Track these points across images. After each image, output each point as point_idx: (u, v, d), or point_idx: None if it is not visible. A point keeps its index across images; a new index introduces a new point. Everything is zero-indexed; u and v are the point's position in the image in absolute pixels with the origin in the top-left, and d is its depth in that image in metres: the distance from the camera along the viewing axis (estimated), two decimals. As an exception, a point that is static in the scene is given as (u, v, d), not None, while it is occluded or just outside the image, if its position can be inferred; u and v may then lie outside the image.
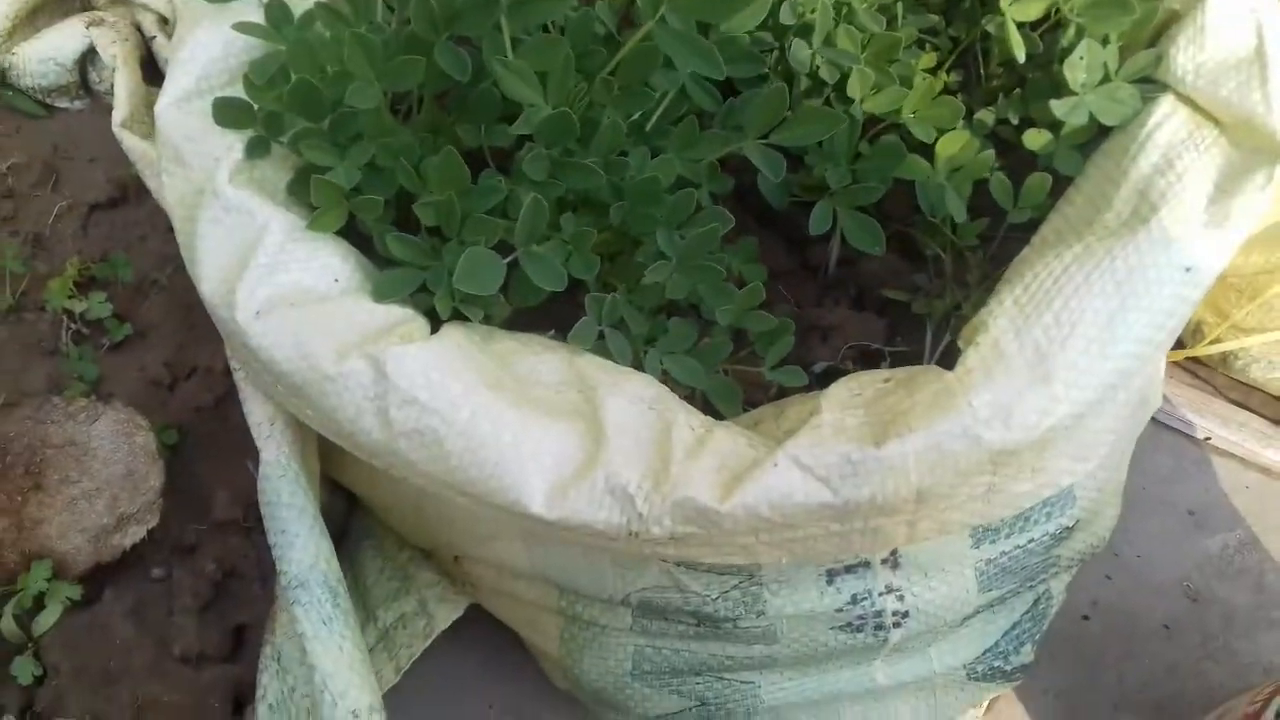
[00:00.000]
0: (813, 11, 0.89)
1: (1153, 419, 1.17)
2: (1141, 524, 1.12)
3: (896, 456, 0.64)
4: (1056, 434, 0.66)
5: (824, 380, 0.87)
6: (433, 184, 0.78)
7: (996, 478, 0.68)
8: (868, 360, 0.90)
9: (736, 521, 0.65)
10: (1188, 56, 0.81)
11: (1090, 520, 0.89)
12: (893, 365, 0.89)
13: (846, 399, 0.71)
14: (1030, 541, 0.84)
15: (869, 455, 0.65)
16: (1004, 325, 0.69)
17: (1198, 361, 1.18)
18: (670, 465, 0.66)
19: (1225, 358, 1.11)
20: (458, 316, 0.78)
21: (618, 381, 0.72)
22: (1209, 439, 1.16)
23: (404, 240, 0.77)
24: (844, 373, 0.88)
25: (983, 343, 0.68)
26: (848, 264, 0.96)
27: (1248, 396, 1.19)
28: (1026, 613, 0.93)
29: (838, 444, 0.65)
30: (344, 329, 0.72)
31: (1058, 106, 0.83)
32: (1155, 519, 1.13)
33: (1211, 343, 1.09)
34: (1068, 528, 0.85)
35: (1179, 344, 1.15)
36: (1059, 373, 0.65)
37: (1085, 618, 1.08)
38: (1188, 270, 0.69)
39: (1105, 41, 0.84)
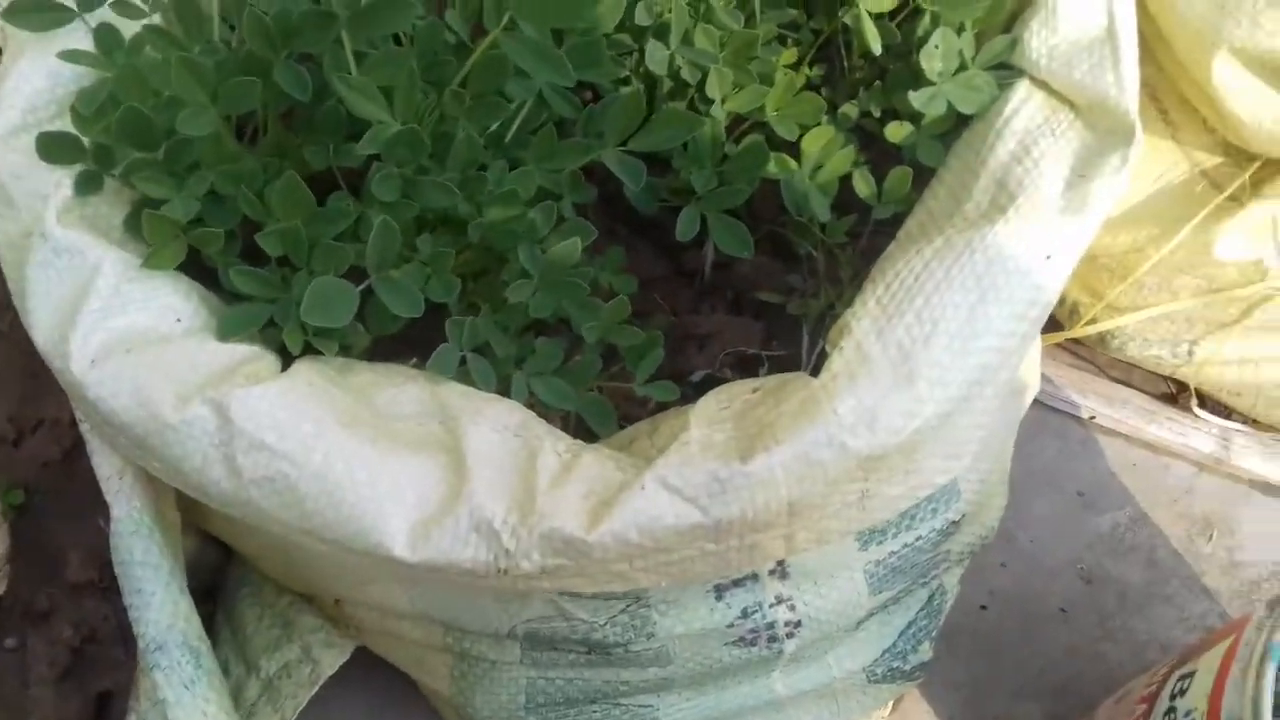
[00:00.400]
0: (669, 11, 0.87)
1: (1037, 401, 1.18)
2: (1032, 508, 1.13)
3: (764, 470, 0.62)
4: (925, 435, 0.65)
5: (702, 389, 0.84)
6: (277, 211, 0.74)
7: (869, 483, 0.66)
8: (745, 365, 0.88)
9: (606, 550, 0.62)
10: (1041, 40, 0.81)
11: (977, 512, 0.89)
12: (770, 369, 0.88)
13: (715, 412, 0.68)
14: (918, 539, 0.83)
15: (736, 471, 0.62)
16: (867, 327, 0.67)
17: (1078, 342, 1.19)
18: (536, 495, 0.63)
19: (1103, 337, 1.12)
20: (311, 350, 0.75)
21: (480, 409, 0.69)
22: (1093, 418, 1.17)
23: (248, 273, 0.73)
24: (722, 381, 0.86)
25: (846, 346, 0.67)
26: (723, 268, 0.94)
27: (1129, 374, 1.20)
28: (921, 610, 0.93)
29: (705, 462, 0.63)
30: (186, 372, 0.68)
31: (916, 98, 0.82)
32: (1045, 502, 1.14)
33: (1088, 323, 1.10)
34: (954, 522, 0.85)
35: (1057, 325, 1.16)
36: (922, 372, 0.64)
37: (983, 607, 1.08)
38: (1048, 258, 0.69)
39: (960, 29, 0.84)
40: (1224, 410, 1.18)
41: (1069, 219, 0.70)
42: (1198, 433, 1.16)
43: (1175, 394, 1.19)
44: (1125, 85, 0.76)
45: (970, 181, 0.76)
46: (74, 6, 0.80)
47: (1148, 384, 1.20)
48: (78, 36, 0.81)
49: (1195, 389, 1.16)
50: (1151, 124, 1.02)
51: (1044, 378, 1.17)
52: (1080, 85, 0.78)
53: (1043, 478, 1.16)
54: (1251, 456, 1.14)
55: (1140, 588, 1.11)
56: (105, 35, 0.80)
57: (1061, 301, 1.14)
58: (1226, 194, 0.98)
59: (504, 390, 0.75)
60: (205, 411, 0.65)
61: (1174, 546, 1.13)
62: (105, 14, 0.80)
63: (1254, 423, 1.17)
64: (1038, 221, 0.70)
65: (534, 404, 0.76)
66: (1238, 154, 0.99)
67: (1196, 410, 1.16)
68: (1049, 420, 1.19)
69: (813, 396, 0.64)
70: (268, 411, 0.65)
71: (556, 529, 0.62)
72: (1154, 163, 1.03)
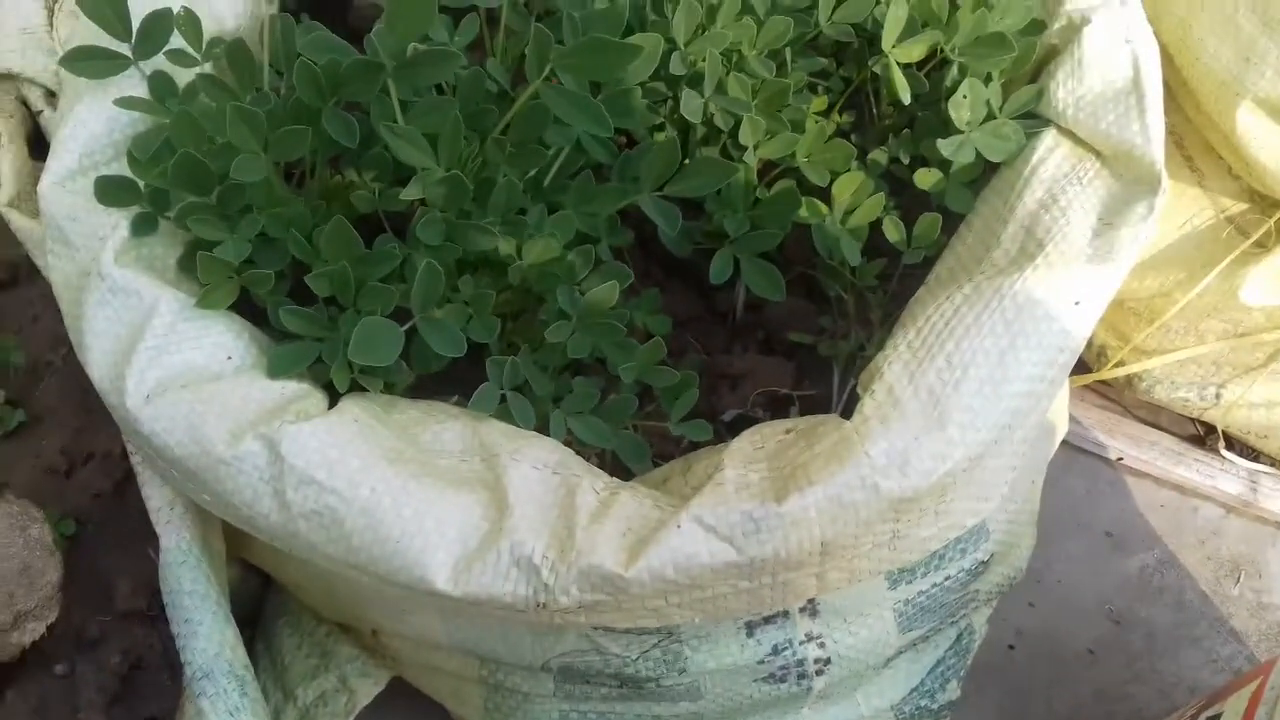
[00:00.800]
0: (704, 60, 0.90)
1: (1066, 442, 1.19)
2: (1061, 548, 1.14)
3: (798, 511, 0.64)
4: (955, 477, 0.67)
5: (734, 428, 0.87)
6: (325, 254, 0.77)
7: (900, 524, 0.68)
8: (777, 405, 0.90)
9: (643, 586, 0.64)
10: (1068, 90, 0.83)
11: (1006, 553, 0.90)
12: (801, 409, 0.89)
13: (749, 453, 0.70)
14: (947, 579, 0.84)
15: (771, 511, 0.64)
16: (898, 371, 0.69)
17: (1106, 383, 1.20)
18: (575, 532, 0.65)
19: (1130, 380, 1.13)
20: (357, 388, 0.77)
21: (520, 447, 0.71)
22: (1121, 459, 1.18)
23: (297, 313, 0.75)
24: (754, 420, 0.88)
25: (878, 390, 0.68)
26: (755, 309, 0.96)
27: (1157, 415, 1.21)
28: (950, 649, 0.93)
29: (740, 502, 0.65)
30: (238, 409, 0.70)
31: (944, 145, 0.84)
32: (1074, 543, 1.15)
33: (1115, 366, 1.11)
34: (983, 562, 0.86)
35: (1085, 368, 1.17)
36: (953, 416, 0.66)
37: (1011, 647, 1.09)
38: (1076, 304, 0.70)
39: (988, 79, 0.86)
40: (1252, 452, 1.18)
41: (1097, 266, 0.72)
42: (1225, 474, 1.16)
43: (1203, 436, 1.20)
44: (1151, 135, 0.78)
45: (999, 228, 0.78)
46: (129, 54, 0.83)
47: (1176, 425, 1.21)
48: (133, 83, 0.84)
49: (1223, 431, 1.17)
50: (1178, 171, 1.03)
51: (1072, 419, 1.19)
52: (1106, 135, 0.79)
53: (1071, 519, 1.17)
54: (1279, 499, 1.15)
55: (1168, 629, 1.11)
56: (160, 83, 0.83)
57: (1089, 344, 1.16)
58: (1252, 240, 0.99)
59: (543, 428, 0.77)
60: (257, 447, 0.68)
61: (1202, 588, 1.13)
62: (160, 62, 0.84)
63: (1282, 464, 1.17)
64: (1066, 269, 0.71)
65: (571, 441, 0.78)
66: (1263, 200, 1.00)
67: (1224, 452, 1.16)
68: (1077, 461, 1.20)
69: (845, 439, 0.66)
70: (317, 448, 0.67)
71: (595, 565, 0.64)
72: (1181, 209, 1.04)
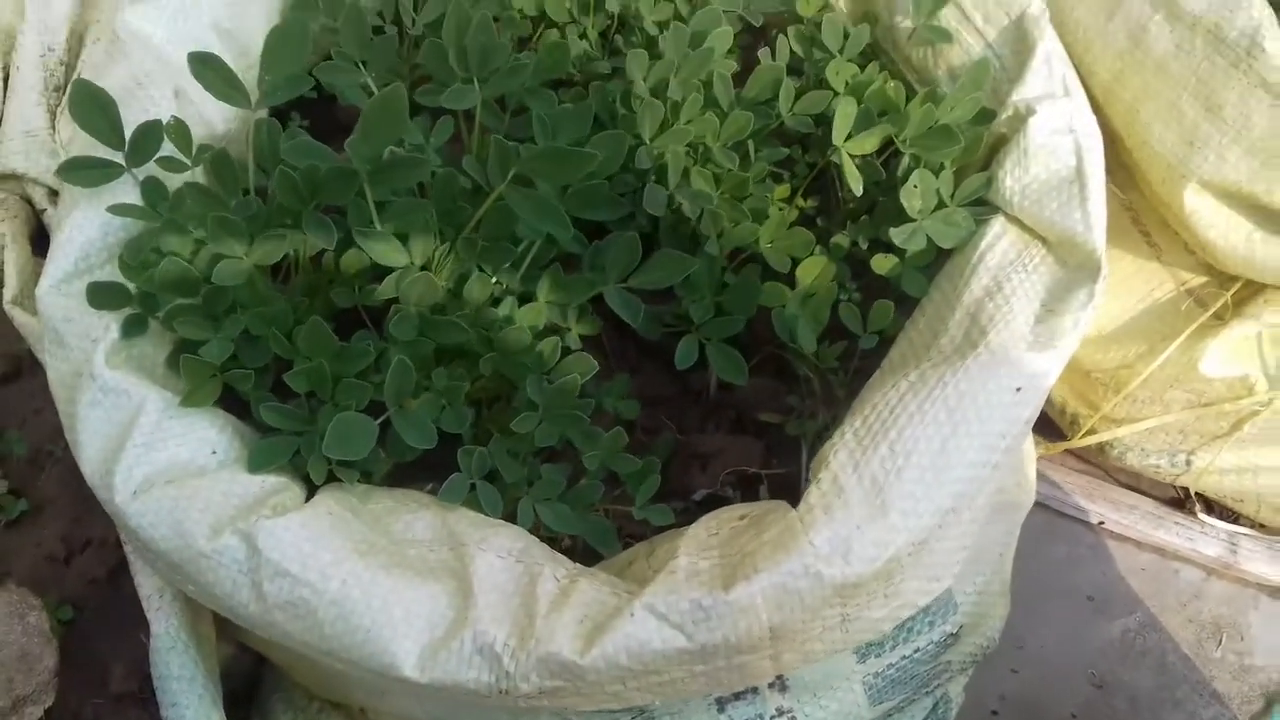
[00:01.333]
0: (668, 154, 0.94)
1: (1047, 507, 1.21)
2: (1043, 614, 1.15)
3: (745, 598, 0.67)
4: (901, 562, 0.69)
5: (706, 506, 0.89)
6: (303, 351, 0.81)
7: (848, 608, 0.70)
8: (747, 483, 0.93)
9: (599, 673, 0.67)
10: (1014, 178, 0.86)
11: (976, 623, 0.91)
12: (770, 487, 0.92)
13: (704, 539, 0.73)
14: (916, 651, 0.86)
15: (719, 600, 0.67)
16: (843, 459, 0.72)
17: (1084, 448, 1.22)
18: (535, 620, 0.68)
19: (1102, 447, 1.15)
20: (335, 478, 0.80)
21: (487, 536, 0.74)
22: (1102, 523, 1.20)
23: (277, 409, 0.79)
24: (724, 499, 0.91)
25: (824, 478, 0.71)
26: (727, 388, 0.99)
27: (1137, 479, 1.23)
28: (926, 718, 0.95)
29: (690, 590, 0.68)
30: (219, 504, 0.74)
31: (897, 233, 0.87)
32: (1056, 607, 1.16)
33: (1086, 434, 1.14)
34: (952, 634, 0.88)
35: (1060, 435, 1.19)
36: (895, 504, 0.68)
37: (994, 713, 1.10)
38: (1017, 390, 0.73)
39: (940, 168, 0.90)
40: (1231, 514, 1.20)
41: (1038, 354, 0.75)
42: (1205, 537, 1.18)
43: (1183, 499, 1.21)
44: (1092, 223, 0.81)
45: (947, 315, 0.81)
46: (123, 162, 0.87)
47: (1156, 489, 1.23)
48: (127, 188, 0.88)
49: (1202, 494, 1.18)
50: (1136, 246, 1.06)
51: (1053, 484, 1.21)
52: (1050, 222, 0.83)
53: (1053, 583, 1.18)
54: (1259, 561, 1.16)
55: (1151, 693, 1.12)
56: (151, 189, 0.87)
57: (1062, 412, 1.18)
58: (1210, 312, 1.02)
59: (511, 514, 0.80)
60: (235, 541, 0.71)
61: (1184, 651, 1.14)
62: (152, 168, 0.88)
63: (1261, 526, 1.18)
64: (1007, 356, 0.74)
65: (540, 526, 0.81)
66: (1220, 274, 1.03)
67: (1202, 516, 1.18)
68: (1059, 526, 1.21)
69: (790, 527, 0.69)
70: (291, 541, 0.70)
71: (553, 653, 0.67)
72: (1141, 282, 1.07)
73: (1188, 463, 1.12)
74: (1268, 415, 1.03)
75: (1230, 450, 1.08)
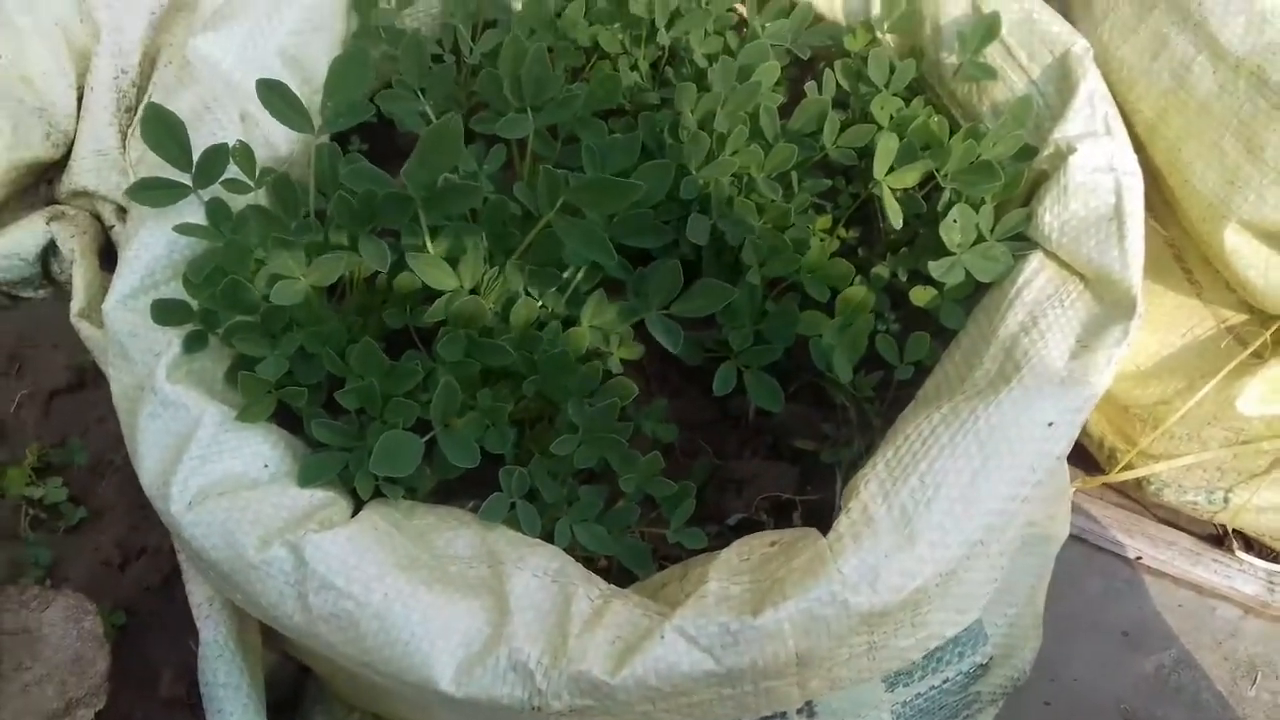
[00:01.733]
0: (714, 184, 0.96)
1: (1084, 541, 1.22)
2: (1077, 647, 1.15)
3: (773, 624, 0.68)
4: (928, 592, 0.70)
5: (741, 530, 0.91)
6: (355, 369, 0.84)
7: (875, 636, 0.71)
8: (781, 509, 0.94)
9: (629, 693, 0.68)
10: (1054, 215, 0.87)
11: (1007, 655, 0.92)
12: (804, 514, 0.93)
13: (735, 564, 0.75)
14: (945, 681, 0.87)
15: (747, 625, 0.69)
16: (874, 489, 0.73)
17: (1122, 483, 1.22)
18: (568, 639, 0.70)
19: (1140, 483, 1.15)
20: (382, 494, 0.83)
21: (524, 555, 0.77)
22: (1140, 559, 1.20)
23: (328, 425, 0.82)
24: (758, 524, 0.93)
25: (854, 507, 0.73)
26: (765, 414, 1.01)
27: (1175, 514, 1.23)
28: (954, 748, 0.96)
29: (719, 614, 0.69)
30: (270, 516, 0.76)
31: (935, 267, 0.89)
32: (1090, 641, 1.16)
33: (1123, 469, 1.14)
34: (982, 665, 0.89)
35: (1098, 468, 1.20)
36: (923, 534, 0.70)
37: (1025, 745, 1.11)
38: (1049, 425, 0.74)
39: (980, 203, 0.91)
40: (1270, 553, 1.19)
41: (1070, 389, 0.76)
42: (1243, 575, 1.17)
43: (1221, 536, 1.21)
44: (1130, 261, 0.82)
45: (982, 348, 0.82)
46: (190, 183, 0.91)
47: (1194, 525, 1.22)
48: (193, 208, 0.92)
49: (1241, 531, 1.18)
50: (1178, 283, 1.07)
51: (1090, 517, 1.21)
52: (1088, 259, 0.84)
53: (1087, 617, 1.18)
54: (1298, 600, 1.15)
55: (1185, 730, 1.12)
56: (215, 209, 0.91)
57: (1100, 446, 1.18)
58: (1250, 350, 1.02)
59: (550, 533, 0.82)
60: (283, 553, 0.74)
61: (1218, 689, 1.14)
62: (217, 190, 0.92)
63: (1301, 566, 1.18)
64: (1040, 392, 0.75)
65: (577, 545, 0.83)
66: (1260, 312, 1.03)
67: (1240, 553, 1.17)
68: (1095, 560, 1.22)
69: (820, 555, 0.70)
70: (337, 555, 0.73)
71: (584, 671, 0.69)
72: (1181, 319, 1.07)
73: (1225, 500, 1.11)
74: (1307, 455, 1.03)
75: (1268, 488, 1.08)
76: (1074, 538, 1.21)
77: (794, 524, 0.92)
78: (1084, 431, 1.20)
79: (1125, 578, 1.20)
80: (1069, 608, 1.15)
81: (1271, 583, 1.16)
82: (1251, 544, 1.20)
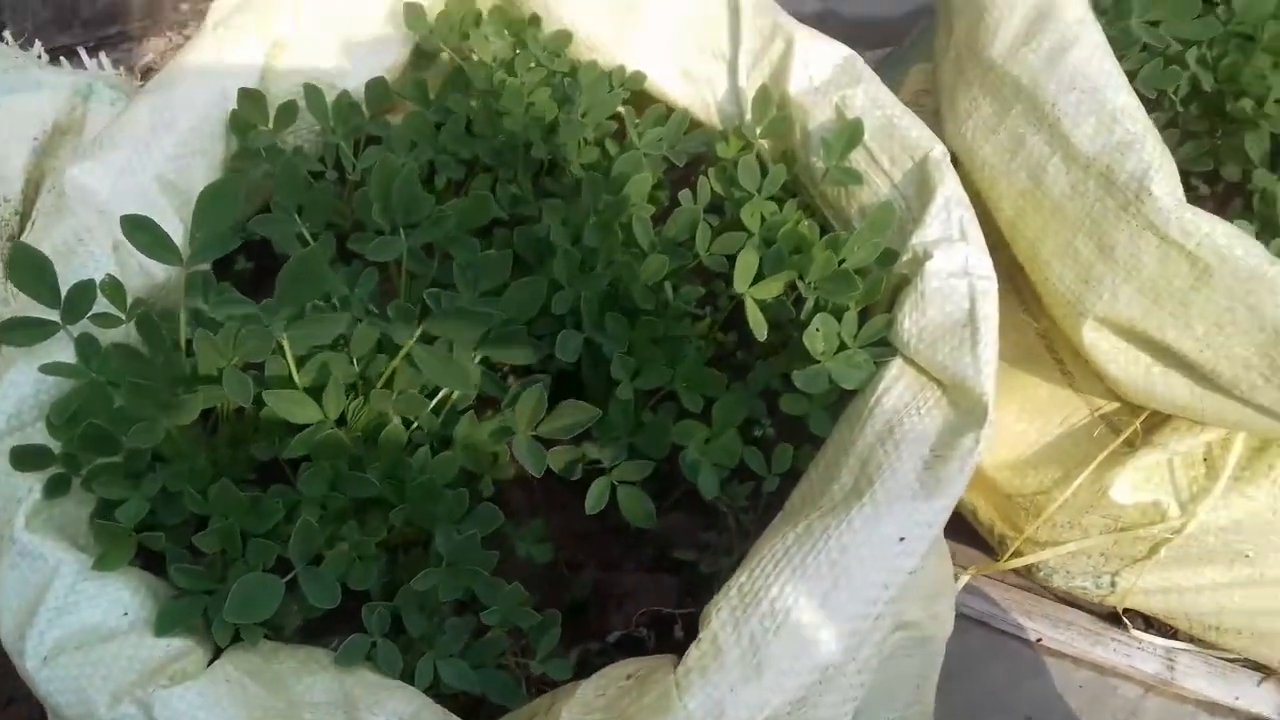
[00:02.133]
0: (584, 298, 0.97)
1: (986, 625, 1.22)
2: (982, 734, 1.16)
3: (617, 768, 0.68)
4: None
5: (622, 648, 0.91)
6: (215, 510, 0.83)
7: (726, 770, 0.71)
8: (662, 623, 0.94)
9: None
10: (912, 321, 0.89)
11: (896, 757, 0.92)
12: (684, 627, 0.93)
13: (590, 700, 0.74)
14: (830, 793, 0.86)
15: (592, 768, 0.68)
16: (724, 617, 0.73)
17: (1018, 566, 1.23)
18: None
19: (1030, 569, 1.16)
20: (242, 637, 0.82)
21: (380, 699, 0.75)
22: (1040, 640, 1.20)
23: (186, 570, 0.81)
24: (638, 640, 0.92)
25: (704, 637, 0.73)
26: (646, 524, 1.01)
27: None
28: None
29: (566, 757, 0.69)
30: (122, 671, 0.75)
31: (799, 376, 0.89)
32: (995, 727, 1.17)
33: (1012, 556, 1.15)
34: (869, 771, 0.88)
35: (992, 553, 1.21)
36: (770, 664, 0.70)
37: (931, 840, 1.10)
38: (901, 540, 0.75)
39: (843, 310, 0.92)
40: (1170, 629, 1.20)
41: (922, 503, 0.77)
42: (1142, 653, 1.18)
43: (1120, 614, 1.22)
44: (982, 366, 0.83)
45: (842, 459, 0.83)
46: (58, 319, 0.90)
47: (1093, 604, 1.23)
48: (63, 345, 0.91)
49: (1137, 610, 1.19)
50: (1050, 373, 1.09)
51: (991, 601, 1.22)
52: (943, 365, 0.85)
53: (992, 702, 1.18)
54: (1197, 677, 1.16)
55: (1091, 814, 1.12)
56: (84, 346, 0.90)
57: (990, 532, 1.19)
58: (1121, 439, 1.04)
59: (408, 674, 0.81)
60: (133, 710, 0.72)
61: (1122, 771, 1.14)
62: (86, 325, 0.91)
63: (1199, 641, 1.19)
64: (892, 507, 0.76)
65: (441, 683, 0.82)
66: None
67: (1137, 633, 1.18)
68: (998, 643, 1.22)
69: (667, 691, 0.70)
70: (186, 712, 0.72)
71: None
72: (1056, 408, 1.09)
73: (1113, 584, 1.12)
74: (1182, 540, 1.04)
75: (1152, 572, 1.09)
76: (977, 622, 1.21)
77: (676, 637, 0.92)
78: (975, 518, 1.21)
79: (1028, 660, 1.21)
80: (973, 694, 1.15)
81: (1171, 660, 1.17)
82: (1151, 622, 1.21)
